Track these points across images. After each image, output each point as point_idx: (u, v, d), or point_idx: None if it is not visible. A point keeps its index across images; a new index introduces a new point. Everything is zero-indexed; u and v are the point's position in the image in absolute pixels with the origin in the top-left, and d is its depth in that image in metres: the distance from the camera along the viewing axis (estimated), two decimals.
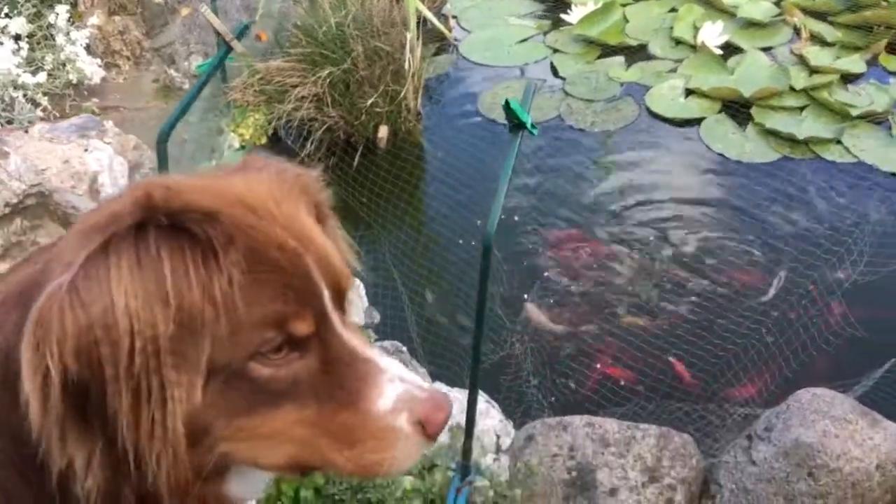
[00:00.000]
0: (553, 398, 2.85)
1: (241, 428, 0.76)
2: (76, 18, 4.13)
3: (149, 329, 0.67)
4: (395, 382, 0.81)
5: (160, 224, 0.71)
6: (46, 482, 0.73)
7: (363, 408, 0.79)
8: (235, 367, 0.73)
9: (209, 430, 0.75)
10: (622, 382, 2.90)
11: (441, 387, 2.66)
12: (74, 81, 3.93)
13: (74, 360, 0.66)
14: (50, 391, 0.67)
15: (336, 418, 0.79)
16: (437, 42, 4.70)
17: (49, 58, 3.90)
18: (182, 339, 0.69)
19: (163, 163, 2.48)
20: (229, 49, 2.45)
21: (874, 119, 4.01)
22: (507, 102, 1.95)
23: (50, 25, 3.98)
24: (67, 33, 3.93)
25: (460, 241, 3.46)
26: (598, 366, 2.96)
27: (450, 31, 4.78)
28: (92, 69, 3.95)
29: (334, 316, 0.81)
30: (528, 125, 2.00)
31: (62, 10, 3.94)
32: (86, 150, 3.12)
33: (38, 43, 3.99)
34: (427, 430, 0.82)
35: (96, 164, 3.07)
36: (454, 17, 4.95)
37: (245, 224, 0.74)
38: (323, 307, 0.79)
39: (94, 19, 4.09)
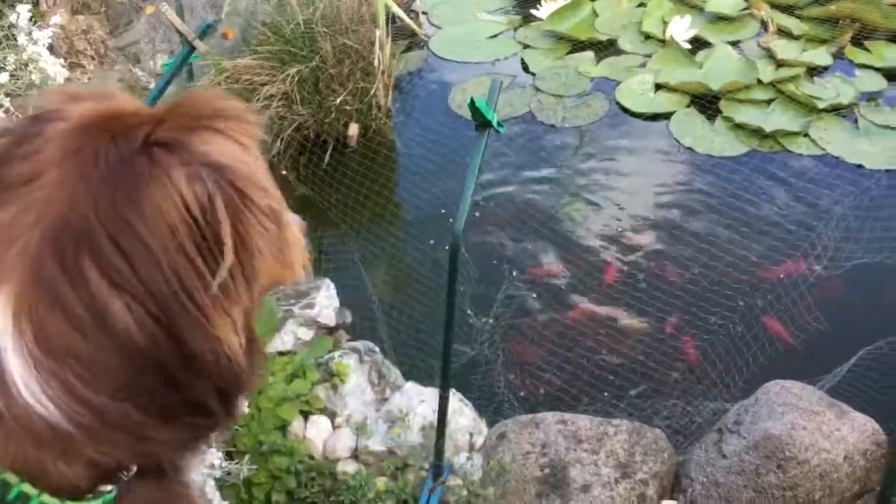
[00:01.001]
0: (522, 393, 2.85)
1: None
2: (38, 18, 4.05)
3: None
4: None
5: None
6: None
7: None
8: None
9: None
10: (590, 379, 2.91)
11: (413, 386, 2.66)
12: (37, 82, 3.85)
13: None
14: None
15: None
16: (408, 38, 4.68)
17: (11, 58, 3.82)
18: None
19: None
20: (192, 49, 2.41)
21: (840, 111, 4.05)
22: (472, 101, 1.95)
23: (11, 25, 3.90)
24: (29, 33, 3.85)
25: (431, 241, 3.45)
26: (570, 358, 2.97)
27: (420, 27, 4.76)
28: (55, 69, 3.87)
29: None
30: (494, 123, 2.00)
31: (23, 9, 3.85)
32: None
33: (0, 43, 3.91)
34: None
35: None
36: (424, 13, 4.93)
37: None
38: None
39: (57, 18, 4.01)
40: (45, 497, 0.66)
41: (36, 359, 0.63)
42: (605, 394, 2.83)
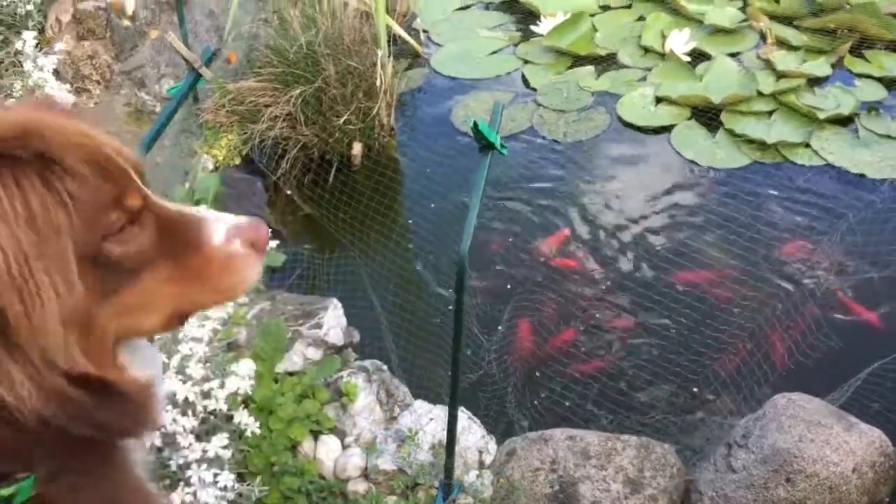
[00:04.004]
0: (530, 404, 2.86)
1: (118, 306, 0.89)
2: (44, 44, 4.10)
3: (13, 243, 0.77)
4: (220, 222, 0.96)
5: None
6: None
7: (205, 248, 0.93)
8: (93, 255, 0.85)
9: (94, 316, 0.86)
10: (597, 396, 2.91)
11: (422, 404, 2.67)
12: None
13: None
14: None
15: (188, 267, 0.93)
16: (409, 57, 4.72)
17: (17, 84, 3.87)
18: (45, 243, 0.79)
19: None
20: (198, 76, 2.45)
21: (841, 121, 4.07)
22: (475, 124, 1.97)
23: (17, 52, 3.94)
24: (35, 59, 3.89)
25: (436, 258, 3.47)
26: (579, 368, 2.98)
27: (421, 45, 4.81)
28: (61, 95, 3.91)
29: (150, 192, 0.93)
30: (497, 145, 2.02)
31: (29, 36, 3.90)
32: None
33: (6, 70, 3.95)
34: (256, 246, 0.97)
35: None
36: (425, 31, 4.97)
37: (55, 134, 0.85)
38: (138, 185, 0.91)
39: (63, 45, 4.05)
40: None
41: None
42: (613, 410, 2.83)
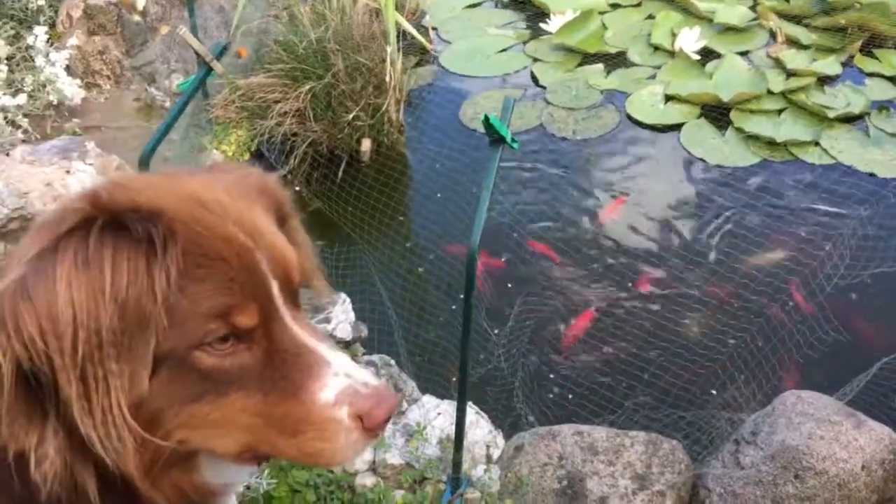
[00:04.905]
0: (538, 399, 2.86)
1: (192, 415, 0.80)
2: (55, 39, 4.13)
3: (91, 322, 0.71)
4: (340, 376, 0.83)
5: (104, 221, 0.74)
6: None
7: (305, 398, 0.82)
8: (181, 356, 0.77)
9: (161, 416, 0.78)
10: (605, 391, 2.91)
11: (430, 399, 2.67)
12: (55, 102, 3.92)
13: (24, 350, 0.70)
14: (1, 378, 0.71)
15: (280, 407, 0.82)
16: (418, 54, 4.72)
17: (29, 79, 3.89)
18: (125, 331, 0.72)
19: None
20: (210, 69, 2.45)
21: (851, 120, 4.05)
22: (486, 118, 1.97)
23: (29, 47, 3.97)
24: (47, 54, 3.92)
25: (446, 253, 3.47)
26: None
27: (430, 42, 4.81)
28: (72, 90, 3.94)
29: (283, 309, 0.83)
30: (508, 139, 2.02)
31: (41, 31, 3.93)
32: (68, 172, 3.11)
33: (18, 65, 3.97)
34: (366, 423, 0.83)
35: (78, 187, 3.06)
36: (434, 28, 4.98)
37: (191, 219, 0.78)
38: (271, 300, 0.82)
39: (74, 40, 4.07)
40: None
41: None
42: (620, 404, 2.83)
